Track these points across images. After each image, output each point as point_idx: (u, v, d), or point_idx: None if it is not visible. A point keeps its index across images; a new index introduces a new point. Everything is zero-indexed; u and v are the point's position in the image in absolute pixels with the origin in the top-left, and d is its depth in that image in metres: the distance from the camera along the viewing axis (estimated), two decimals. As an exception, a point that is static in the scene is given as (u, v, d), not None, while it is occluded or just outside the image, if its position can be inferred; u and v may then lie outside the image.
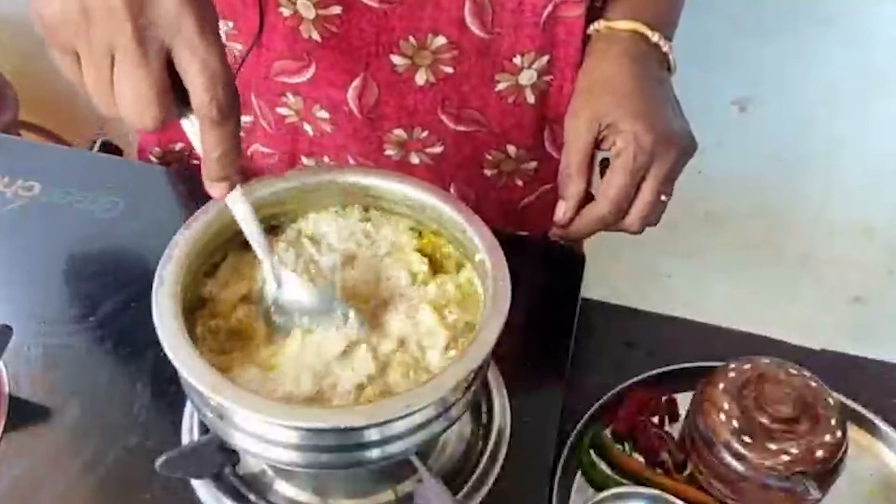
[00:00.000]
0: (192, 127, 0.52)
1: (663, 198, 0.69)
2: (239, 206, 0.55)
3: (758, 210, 1.47)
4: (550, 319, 0.76)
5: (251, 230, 0.56)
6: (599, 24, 0.76)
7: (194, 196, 0.61)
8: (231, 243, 0.62)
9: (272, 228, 0.64)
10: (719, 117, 1.34)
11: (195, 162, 0.95)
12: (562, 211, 0.71)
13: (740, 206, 1.47)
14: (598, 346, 0.79)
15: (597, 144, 0.70)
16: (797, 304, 1.57)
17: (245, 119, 0.88)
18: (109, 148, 0.94)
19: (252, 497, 0.62)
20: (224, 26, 0.80)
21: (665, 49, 0.75)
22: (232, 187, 0.54)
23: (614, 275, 1.29)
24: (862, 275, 1.52)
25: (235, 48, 0.81)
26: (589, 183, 0.70)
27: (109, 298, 0.76)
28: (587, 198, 0.70)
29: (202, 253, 0.60)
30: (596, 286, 0.82)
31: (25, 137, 1.52)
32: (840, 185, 1.41)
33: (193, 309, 0.60)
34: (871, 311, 1.56)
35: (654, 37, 0.74)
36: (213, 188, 0.53)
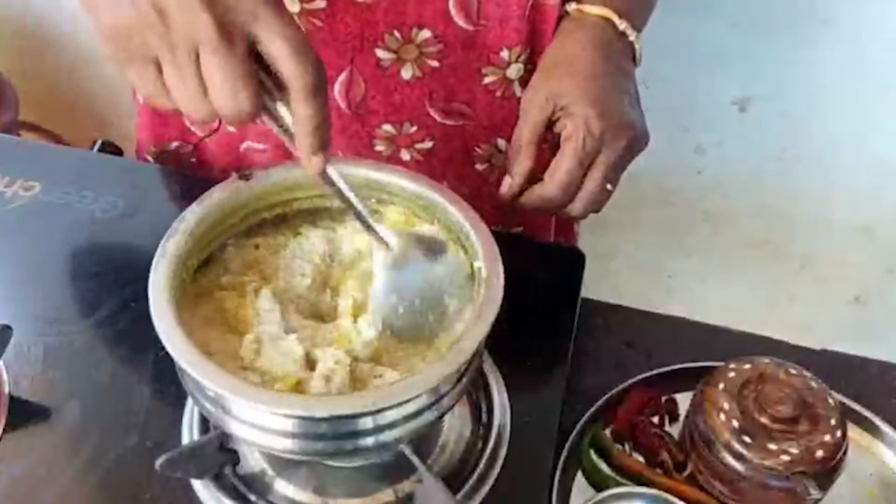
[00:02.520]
0: (274, 117, 0.52)
1: (609, 186, 0.70)
2: (337, 177, 0.55)
3: (758, 210, 1.47)
4: (550, 319, 0.76)
5: (352, 200, 0.56)
6: (571, 7, 0.77)
7: (194, 196, 0.61)
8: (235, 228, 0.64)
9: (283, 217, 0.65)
10: (719, 117, 1.34)
11: (192, 160, 0.95)
12: (506, 186, 0.72)
13: (740, 206, 1.47)
14: (598, 346, 0.79)
15: (550, 124, 0.71)
16: (797, 304, 1.57)
17: None
18: (109, 148, 0.94)
19: (252, 497, 0.62)
20: None
21: (632, 38, 0.75)
22: (327, 160, 0.53)
23: (614, 275, 1.29)
24: (862, 275, 1.52)
25: None
26: (535, 160, 0.71)
27: (109, 298, 0.76)
28: (534, 175, 0.71)
29: (205, 236, 0.61)
30: (596, 286, 0.82)
31: (25, 137, 1.52)
32: (840, 185, 1.41)
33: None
34: (871, 311, 1.55)
35: (622, 25, 0.74)
36: (311, 162, 0.53)
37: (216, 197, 0.61)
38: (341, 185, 0.55)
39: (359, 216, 0.57)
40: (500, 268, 0.57)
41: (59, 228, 0.82)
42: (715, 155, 1.36)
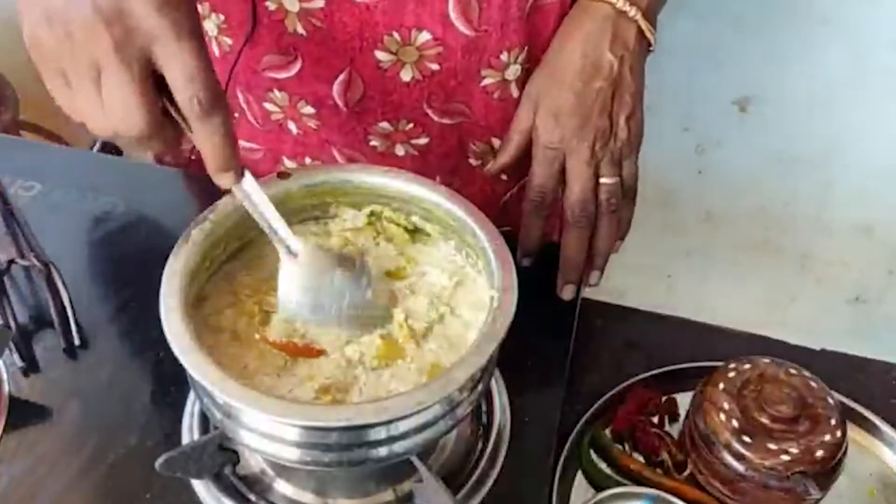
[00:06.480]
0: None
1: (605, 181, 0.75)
2: (251, 194, 0.56)
3: (758, 210, 1.47)
4: (550, 319, 0.76)
5: (268, 215, 0.57)
6: None
7: (194, 196, 0.61)
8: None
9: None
10: (719, 117, 1.34)
11: (192, 157, 0.95)
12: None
13: (740, 206, 1.47)
14: (598, 346, 0.79)
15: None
16: (797, 304, 1.57)
17: None
18: (109, 148, 0.94)
19: (252, 497, 0.62)
20: (216, 19, 0.80)
21: (632, 15, 0.74)
22: (239, 176, 0.55)
23: (614, 275, 1.28)
24: (862, 275, 1.52)
25: (226, 42, 0.82)
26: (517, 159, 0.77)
27: (109, 298, 0.76)
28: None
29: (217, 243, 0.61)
30: (596, 286, 0.81)
31: (25, 137, 1.52)
32: (840, 185, 1.41)
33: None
34: (871, 311, 1.55)
35: (632, 11, 0.74)
36: (219, 178, 0.55)
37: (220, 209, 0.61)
38: (255, 200, 0.56)
39: (272, 234, 0.58)
40: (515, 282, 0.57)
41: (59, 228, 0.82)
42: (715, 155, 1.36)
